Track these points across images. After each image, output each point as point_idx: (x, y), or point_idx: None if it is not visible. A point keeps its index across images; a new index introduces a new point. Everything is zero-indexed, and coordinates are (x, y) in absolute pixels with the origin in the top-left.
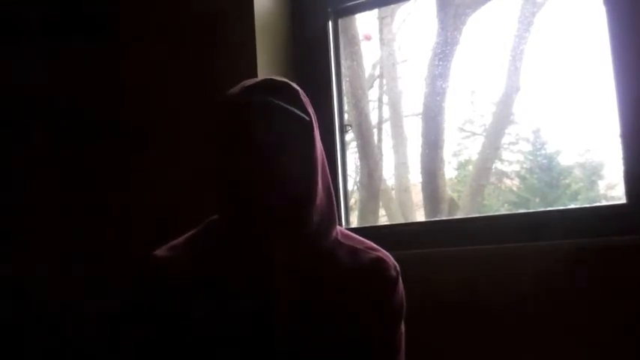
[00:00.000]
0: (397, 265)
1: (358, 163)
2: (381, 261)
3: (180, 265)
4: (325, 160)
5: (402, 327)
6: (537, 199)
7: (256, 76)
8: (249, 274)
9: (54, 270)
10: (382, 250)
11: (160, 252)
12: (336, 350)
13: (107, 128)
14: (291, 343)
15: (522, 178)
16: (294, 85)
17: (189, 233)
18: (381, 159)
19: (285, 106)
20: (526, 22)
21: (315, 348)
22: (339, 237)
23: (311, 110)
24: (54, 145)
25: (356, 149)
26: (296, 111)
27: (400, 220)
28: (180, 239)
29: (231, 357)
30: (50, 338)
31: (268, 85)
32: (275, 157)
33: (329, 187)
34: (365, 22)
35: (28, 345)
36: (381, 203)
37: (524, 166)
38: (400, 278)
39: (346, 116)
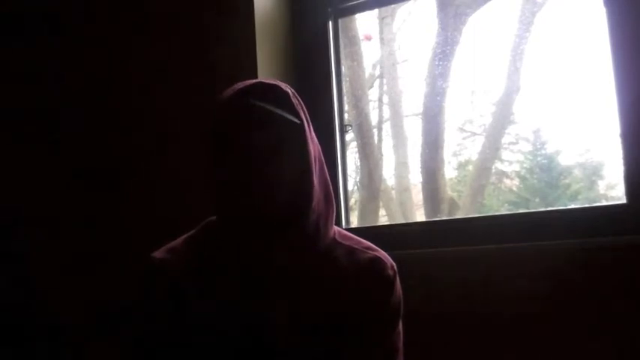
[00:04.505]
0: (394, 264)
1: (358, 163)
2: (378, 261)
3: (180, 266)
4: (323, 160)
5: (400, 326)
6: (537, 199)
7: (256, 76)
8: (248, 276)
9: (55, 270)
10: (379, 249)
11: (159, 254)
12: (335, 350)
13: (108, 128)
14: (290, 345)
15: (522, 178)
16: (285, 87)
17: (188, 234)
18: (381, 159)
19: (274, 110)
20: (526, 22)
21: (315, 348)
22: (337, 237)
23: (303, 112)
24: (55, 144)
25: (356, 149)
26: (285, 115)
27: (400, 220)
28: (179, 240)
29: (231, 358)
30: (50, 338)
31: (258, 88)
32: (266, 161)
33: (327, 187)
34: (365, 22)
35: (28, 343)
36: (381, 203)
37: (524, 166)
38: (397, 278)
39: (346, 116)
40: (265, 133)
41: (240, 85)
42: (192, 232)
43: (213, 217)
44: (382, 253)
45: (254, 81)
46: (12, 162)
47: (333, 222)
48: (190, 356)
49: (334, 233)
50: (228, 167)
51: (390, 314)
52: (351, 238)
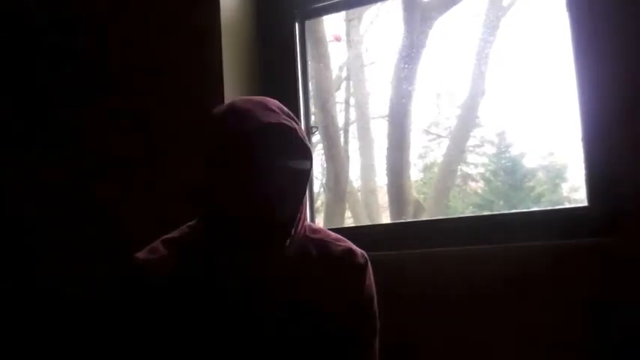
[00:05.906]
0: (364, 252)
1: (324, 165)
2: (350, 251)
3: (164, 266)
4: None
5: (375, 307)
6: (501, 202)
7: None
8: (232, 274)
9: (54, 270)
10: (349, 241)
11: (142, 254)
12: (316, 340)
13: (108, 128)
14: (276, 340)
15: (487, 181)
16: (290, 123)
17: (165, 237)
18: (347, 161)
19: (283, 164)
20: (491, 27)
21: (298, 340)
22: (307, 231)
23: (309, 143)
24: (55, 143)
25: (322, 151)
26: (294, 165)
27: (366, 222)
28: (157, 242)
29: (217, 356)
30: (49, 336)
31: (267, 132)
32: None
33: None
34: (332, 24)
35: (26, 341)
36: (347, 205)
37: (489, 168)
38: (369, 265)
39: (313, 118)
40: (271, 181)
41: (240, 122)
42: (169, 235)
43: (191, 223)
44: (353, 245)
45: (255, 115)
46: (12, 161)
47: (307, 217)
48: (177, 355)
49: (305, 228)
50: (229, 184)
51: (364, 301)
52: (320, 231)
